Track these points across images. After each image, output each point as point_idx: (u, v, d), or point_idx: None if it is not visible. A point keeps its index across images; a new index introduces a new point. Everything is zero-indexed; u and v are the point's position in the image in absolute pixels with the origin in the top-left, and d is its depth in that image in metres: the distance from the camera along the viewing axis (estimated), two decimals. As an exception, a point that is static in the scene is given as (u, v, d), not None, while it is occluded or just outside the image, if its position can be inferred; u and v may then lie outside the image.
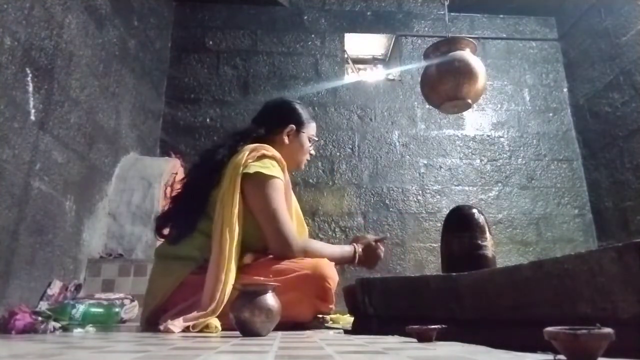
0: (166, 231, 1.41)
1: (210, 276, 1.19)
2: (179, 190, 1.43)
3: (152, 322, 1.29)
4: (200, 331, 1.08)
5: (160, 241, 1.53)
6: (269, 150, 1.37)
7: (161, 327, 1.08)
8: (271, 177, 1.31)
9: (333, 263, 1.33)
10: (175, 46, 2.96)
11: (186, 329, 1.08)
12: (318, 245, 1.41)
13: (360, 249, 1.46)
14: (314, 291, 1.23)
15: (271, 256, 1.31)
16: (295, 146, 1.53)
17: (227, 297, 1.14)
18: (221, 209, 1.26)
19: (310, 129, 1.58)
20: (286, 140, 1.51)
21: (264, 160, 1.33)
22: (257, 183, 1.30)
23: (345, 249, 1.46)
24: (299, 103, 1.62)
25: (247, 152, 1.32)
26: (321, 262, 1.27)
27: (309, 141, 1.57)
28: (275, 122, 1.51)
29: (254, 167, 1.30)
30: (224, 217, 1.24)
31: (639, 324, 0.50)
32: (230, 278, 1.18)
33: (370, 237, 1.54)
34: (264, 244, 1.33)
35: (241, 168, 1.29)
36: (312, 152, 1.61)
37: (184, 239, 1.31)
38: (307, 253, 1.31)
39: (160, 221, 1.42)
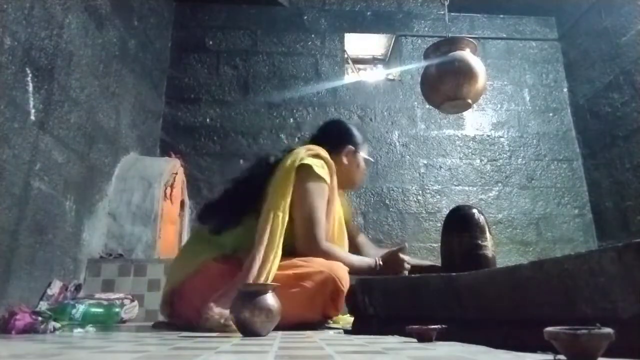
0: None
1: (255, 258, 1.18)
2: (233, 185, 1.47)
3: (168, 304, 1.32)
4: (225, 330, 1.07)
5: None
6: (324, 152, 1.43)
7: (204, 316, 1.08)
8: (318, 176, 1.35)
9: (347, 268, 1.33)
10: (175, 46, 2.96)
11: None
12: (341, 252, 1.42)
13: (380, 261, 1.45)
14: (327, 289, 1.24)
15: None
16: (353, 166, 1.58)
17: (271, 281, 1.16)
18: (273, 196, 1.29)
19: (365, 150, 1.64)
20: (345, 160, 1.55)
21: (318, 159, 1.39)
22: (305, 176, 1.34)
23: (365, 260, 1.46)
24: (355, 125, 1.69)
25: (304, 150, 1.39)
26: (336, 263, 1.29)
27: (366, 162, 1.62)
28: (334, 142, 1.55)
29: (308, 160, 1.35)
30: (277, 203, 1.27)
31: (639, 324, 0.50)
32: (276, 263, 1.20)
33: (391, 249, 1.53)
34: (293, 243, 1.34)
35: (298, 161, 1.33)
36: (366, 172, 1.66)
37: (225, 229, 1.34)
38: (329, 255, 1.32)
39: (204, 210, 1.46)
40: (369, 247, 1.73)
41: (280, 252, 1.23)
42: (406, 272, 1.47)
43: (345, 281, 1.26)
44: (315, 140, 1.58)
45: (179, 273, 1.32)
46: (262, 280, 1.15)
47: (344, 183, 1.53)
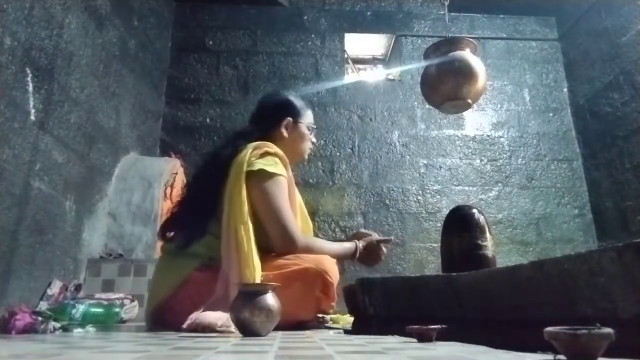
0: (170, 234, 1.39)
1: (234, 277, 1.17)
2: (184, 194, 1.43)
3: (157, 320, 1.30)
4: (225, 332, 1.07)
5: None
6: (272, 147, 1.37)
7: (188, 325, 1.08)
8: (275, 174, 1.31)
9: (335, 260, 1.34)
10: (175, 46, 2.96)
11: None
12: (320, 242, 1.42)
13: (361, 246, 1.46)
14: (317, 285, 1.24)
15: (273, 254, 1.32)
16: (295, 138, 1.53)
17: None
18: (230, 208, 1.25)
19: (307, 117, 1.57)
20: (285, 133, 1.50)
21: (267, 158, 1.34)
22: (261, 180, 1.30)
23: (346, 245, 1.46)
24: (291, 94, 1.61)
25: (250, 150, 1.32)
26: (322, 257, 1.29)
27: (308, 129, 1.56)
28: (271, 117, 1.51)
29: (258, 165, 1.30)
30: (236, 216, 1.23)
31: (639, 324, 0.50)
32: (257, 275, 1.18)
33: (375, 236, 1.54)
34: (269, 242, 1.33)
35: (245, 166, 1.28)
36: (314, 139, 1.60)
37: (194, 242, 1.30)
38: (310, 250, 1.32)
39: (166, 226, 1.41)
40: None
41: (257, 261, 1.20)
42: (380, 263, 1.53)
43: (333, 274, 1.26)
44: (253, 119, 1.55)
45: (163, 288, 1.29)
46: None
47: (290, 156, 1.45)
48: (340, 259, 1.44)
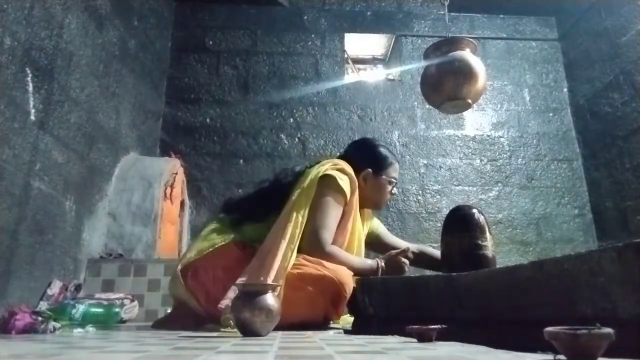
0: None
1: (273, 254, 1.22)
2: (260, 186, 1.55)
3: (184, 280, 1.32)
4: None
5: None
6: (348, 168, 1.47)
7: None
8: (338, 187, 1.40)
9: (352, 273, 1.34)
10: (175, 46, 2.96)
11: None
12: (345, 254, 1.44)
13: (382, 263, 1.47)
14: (329, 294, 1.25)
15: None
16: (372, 188, 1.59)
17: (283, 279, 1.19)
18: (297, 198, 1.35)
19: (391, 171, 1.64)
20: (362, 183, 1.57)
21: (340, 174, 1.44)
22: (325, 185, 1.39)
23: (367, 262, 1.47)
24: (383, 145, 1.69)
25: (330, 163, 1.46)
26: (342, 268, 1.30)
27: (389, 184, 1.63)
28: (355, 163, 1.57)
29: (331, 172, 1.41)
30: (299, 206, 1.33)
31: (639, 324, 0.50)
32: (291, 262, 1.25)
33: (392, 252, 1.55)
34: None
35: (322, 172, 1.40)
36: (395, 191, 1.67)
37: (244, 224, 1.40)
38: (333, 257, 1.35)
39: (231, 204, 1.53)
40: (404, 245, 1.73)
41: (295, 253, 1.28)
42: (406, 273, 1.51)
43: (348, 287, 1.26)
44: (342, 158, 1.62)
45: (197, 249, 1.35)
46: (274, 275, 1.17)
47: (364, 203, 1.57)
48: (359, 274, 1.44)
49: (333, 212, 1.39)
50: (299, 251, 1.32)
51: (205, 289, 1.28)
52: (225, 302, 1.12)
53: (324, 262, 1.30)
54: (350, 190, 1.44)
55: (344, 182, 1.42)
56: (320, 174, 1.39)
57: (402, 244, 1.73)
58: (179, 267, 1.35)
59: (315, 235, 1.35)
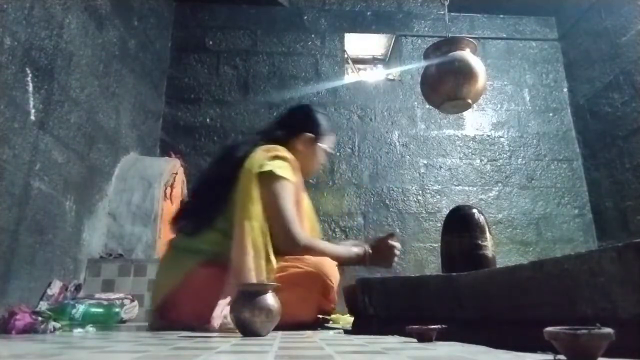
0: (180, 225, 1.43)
1: (245, 270, 1.18)
2: (196, 186, 1.47)
3: (162, 317, 1.30)
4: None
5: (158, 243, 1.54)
6: (281, 151, 1.40)
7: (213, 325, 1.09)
8: (281, 177, 1.34)
9: (335, 263, 1.33)
10: (175, 46, 2.96)
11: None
12: (323, 244, 1.41)
13: (369, 249, 1.45)
14: (317, 288, 1.25)
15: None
16: (309, 154, 1.55)
17: None
18: (243, 205, 1.27)
19: (328, 140, 1.60)
20: (300, 147, 1.52)
21: (277, 161, 1.37)
22: (269, 182, 1.32)
23: (352, 250, 1.45)
24: (322, 113, 1.64)
25: (260, 152, 1.36)
26: (323, 260, 1.29)
27: (326, 153, 1.60)
28: (294, 127, 1.54)
29: (267, 166, 1.33)
30: (249, 213, 1.25)
31: (639, 324, 0.50)
32: (270, 270, 1.21)
33: (379, 236, 1.55)
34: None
35: (256, 167, 1.31)
36: (324, 161, 1.64)
37: (201, 231, 1.33)
38: (311, 251, 1.32)
39: (177, 217, 1.44)
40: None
41: (273, 259, 1.24)
42: (396, 259, 1.48)
43: (333, 277, 1.26)
44: (278, 122, 1.58)
45: (166, 284, 1.30)
46: None
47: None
48: (346, 263, 1.43)
49: (288, 204, 1.33)
50: (276, 253, 1.29)
51: (192, 310, 1.21)
52: (217, 318, 1.10)
53: (301, 257, 1.28)
54: (292, 172, 1.39)
55: (284, 169, 1.35)
56: (256, 171, 1.31)
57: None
58: (156, 304, 1.32)
59: (286, 234, 1.30)
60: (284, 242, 1.31)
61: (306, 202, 1.54)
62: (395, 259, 1.50)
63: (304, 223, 1.43)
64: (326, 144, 1.59)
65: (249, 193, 1.28)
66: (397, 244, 1.49)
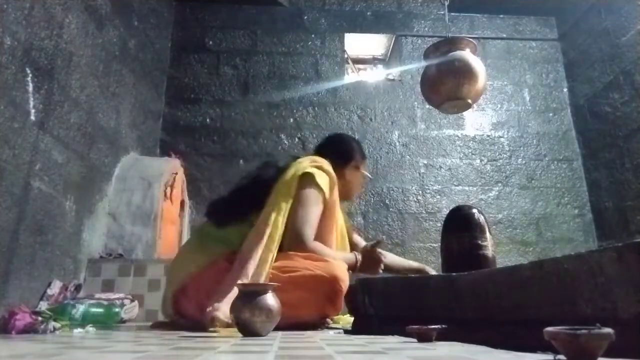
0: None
1: (251, 259, 1.20)
2: (240, 183, 1.51)
3: (177, 304, 1.31)
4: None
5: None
6: (325, 165, 1.47)
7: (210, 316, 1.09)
8: (317, 185, 1.39)
9: (346, 267, 1.35)
10: (175, 46, 2.96)
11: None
12: (326, 249, 1.42)
13: (359, 256, 1.48)
14: (324, 293, 1.24)
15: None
16: (353, 181, 1.64)
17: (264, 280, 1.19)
18: (276, 198, 1.33)
19: (365, 166, 1.70)
20: (347, 175, 1.61)
21: (319, 171, 1.43)
22: (305, 183, 1.38)
23: (347, 256, 1.47)
24: (356, 141, 1.73)
25: (309, 160, 1.45)
26: (335, 264, 1.29)
27: (364, 178, 1.70)
28: (340, 156, 1.60)
29: (309, 169, 1.40)
30: (279, 206, 1.31)
31: (639, 324, 0.50)
32: (270, 266, 1.23)
33: (368, 244, 1.56)
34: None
35: (300, 170, 1.38)
36: (363, 188, 1.75)
37: (231, 224, 1.37)
38: (315, 252, 1.34)
39: (213, 206, 1.49)
40: (363, 245, 1.74)
41: (275, 255, 1.26)
42: (381, 269, 1.52)
43: (344, 282, 1.25)
44: (321, 151, 1.61)
45: (184, 271, 1.33)
46: (255, 280, 1.16)
47: (342, 195, 1.57)
48: None
49: (313, 209, 1.38)
50: (281, 248, 1.31)
51: (199, 303, 1.22)
52: (214, 307, 1.10)
53: (312, 260, 1.29)
54: (330, 188, 1.43)
55: (322, 179, 1.40)
56: (299, 173, 1.38)
57: (362, 243, 1.75)
58: (172, 291, 1.34)
59: (298, 232, 1.34)
60: (292, 239, 1.34)
61: (340, 220, 1.58)
62: (381, 268, 1.54)
63: (332, 236, 1.46)
64: (364, 170, 1.69)
65: (285, 191, 1.35)
66: (384, 253, 1.55)
